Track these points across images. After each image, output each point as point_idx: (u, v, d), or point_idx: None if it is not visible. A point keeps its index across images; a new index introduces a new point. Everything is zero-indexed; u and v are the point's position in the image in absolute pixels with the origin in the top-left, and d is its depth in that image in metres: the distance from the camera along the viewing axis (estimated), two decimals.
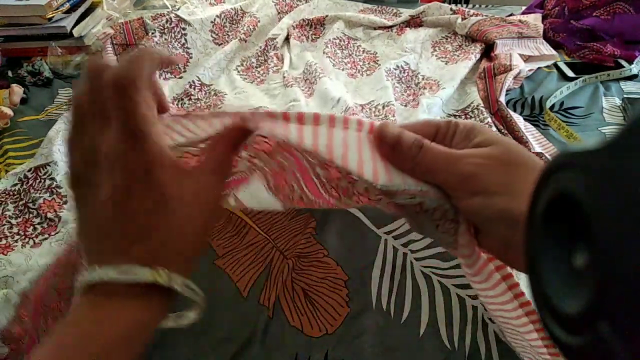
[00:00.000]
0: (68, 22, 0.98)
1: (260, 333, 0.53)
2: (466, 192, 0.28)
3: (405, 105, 0.83)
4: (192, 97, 0.86)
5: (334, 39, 1.00)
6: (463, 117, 0.83)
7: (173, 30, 0.95)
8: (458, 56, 0.95)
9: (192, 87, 0.88)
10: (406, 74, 0.91)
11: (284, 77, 0.87)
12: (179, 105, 0.85)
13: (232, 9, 1.06)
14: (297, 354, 0.52)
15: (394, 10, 1.13)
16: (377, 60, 0.96)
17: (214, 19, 1.02)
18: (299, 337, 0.53)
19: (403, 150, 0.28)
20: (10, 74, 0.96)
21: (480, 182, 0.27)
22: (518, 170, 0.27)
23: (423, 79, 0.89)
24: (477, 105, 0.82)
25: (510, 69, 0.85)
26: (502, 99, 0.82)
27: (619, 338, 0.14)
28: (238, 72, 0.93)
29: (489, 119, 0.79)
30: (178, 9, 1.01)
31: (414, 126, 0.31)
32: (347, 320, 0.54)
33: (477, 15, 1.04)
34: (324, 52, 0.95)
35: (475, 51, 0.94)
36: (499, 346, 0.51)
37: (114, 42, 0.96)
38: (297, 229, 0.64)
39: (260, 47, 1.01)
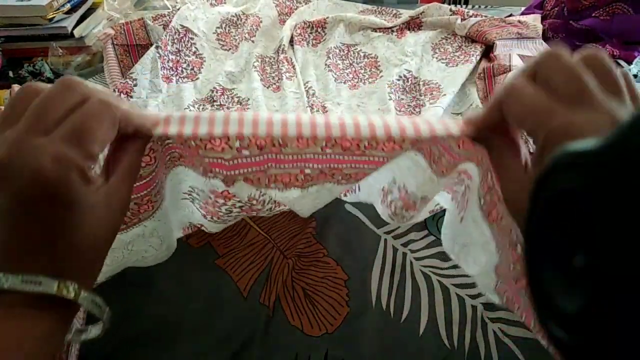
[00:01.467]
0: (69, 23, 0.97)
1: (260, 333, 0.53)
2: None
3: None
4: (216, 102, 0.87)
5: (334, 47, 1.00)
6: None
7: (183, 40, 0.96)
8: (458, 57, 0.95)
9: (215, 92, 0.89)
10: (409, 82, 0.91)
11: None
12: (200, 110, 0.86)
13: (233, 15, 1.06)
14: (297, 354, 0.52)
15: (394, 11, 1.13)
16: (379, 66, 0.96)
17: (216, 30, 1.03)
18: (299, 336, 0.53)
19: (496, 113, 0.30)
20: (11, 74, 0.96)
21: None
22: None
23: (424, 84, 0.89)
24: (476, 107, 0.82)
25: (510, 70, 0.85)
26: None
27: (617, 337, 0.14)
28: (256, 69, 0.94)
29: None
30: (178, 9, 1.01)
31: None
32: (347, 319, 0.55)
33: (476, 15, 1.04)
34: (326, 65, 0.95)
35: (476, 53, 0.94)
36: (498, 346, 0.51)
37: (115, 42, 0.96)
38: (297, 229, 0.64)
39: (267, 47, 1.01)
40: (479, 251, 0.46)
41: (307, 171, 0.40)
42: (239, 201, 0.45)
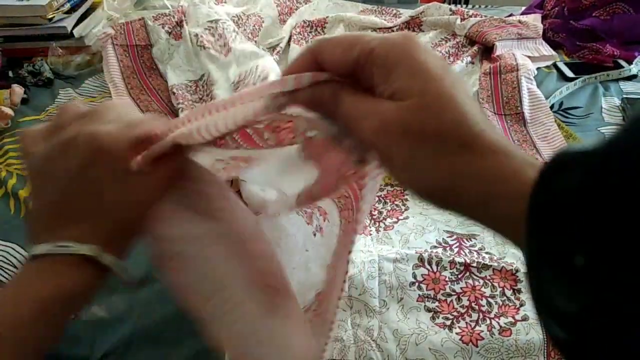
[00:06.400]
0: (69, 23, 0.98)
1: None
2: (376, 153, 0.25)
3: None
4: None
5: None
6: None
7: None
8: (450, 58, 0.95)
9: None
10: None
11: None
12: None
13: (234, 15, 1.06)
14: None
15: (394, 11, 1.13)
16: None
17: None
18: None
19: (323, 104, 0.26)
20: (11, 74, 0.96)
21: (380, 152, 0.24)
22: (425, 144, 0.22)
23: None
24: None
25: (517, 69, 0.86)
26: (526, 103, 0.82)
27: (618, 338, 0.14)
28: None
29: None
30: (181, 8, 1.01)
31: (333, 51, 0.25)
32: None
33: (476, 15, 1.04)
34: None
35: (470, 52, 0.94)
36: None
37: (115, 42, 0.96)
38: None
39: (264, 48, 1.02)
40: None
41: None
42: None
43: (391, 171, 0.24)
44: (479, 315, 0.51)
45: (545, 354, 0.47)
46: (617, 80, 0.92)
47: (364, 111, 0.23)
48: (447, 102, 0.22)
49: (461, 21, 1.02)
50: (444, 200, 0.23)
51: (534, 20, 1.05)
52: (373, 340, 0.49)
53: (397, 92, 0.22)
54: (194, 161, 0.34)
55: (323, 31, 1.06)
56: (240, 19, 1.07)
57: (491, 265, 0.55)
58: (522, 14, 1.14)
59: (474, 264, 0.55)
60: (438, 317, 0.52)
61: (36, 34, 0.99)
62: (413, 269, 0.55)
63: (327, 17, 1.07)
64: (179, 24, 0.98)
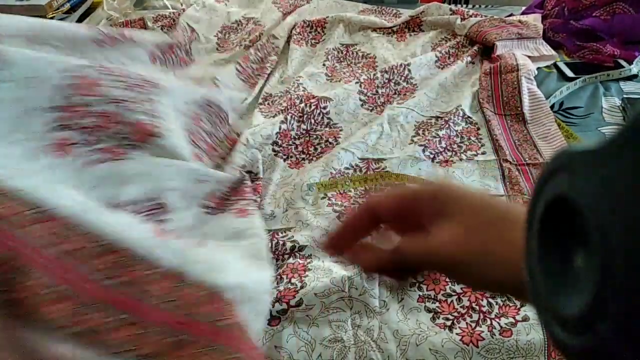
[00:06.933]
0: (68, 22, 0.98)
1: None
2: (459, 276, 0.30)
3: (371, 110, 0.84)
4: None
5: (333, 49, 1.00)
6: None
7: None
8: (448, 59, 0.95)
9: None
10: (388, 78, 0.90)
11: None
12: None
13: (234, 22, 1.06)
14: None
15: (394, 11, 1.13)
16: (376, 67, 0.96)
17: (216, 34, 1.04)
18: None
19: (389, 267, 0.31)
20: None
21: (464, 265, 0.28)
22: (487, 233, 0.28)
23: (404, 79, 0.89)
24: (462, 109, 0.83)
25: (517, 69, 0.85)
26: (526, 103, 0.82)
27: (619, 338, 0.14)
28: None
29: (462, 126, 0.80)
30: (183, 10, 1.02)
31: (382, 204, 0.31)
32: None
33: (476, 15, 1.04)
34: (323, 64, 0.96)
35: (470, 53, 0.94)
36: None
37: None
38: None
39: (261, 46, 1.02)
40: None
41: None
42: None
43: (467, 276, 0.29)
44: (479, 316, 0.51)
45: (546, 354, 0.47)
46: (617, 80, 0.92)
47: (433, 247, 0.29)
48: (482, 209, 0.29)
49: (461, 21, 1.02)
50: (509, 276, 0.26)
51: (534, 20, 1.05)
52: (373, 341, 0.49)
53: (447, 215, 0.29)
54: None
55: (323, 31, 1.06)
56: (240, 24, 1.07)
57: None
58: (522, 13, 1.14)
59: None
60: (438, 318, 0.51)
61: None
62: None
63: (327, 17, 1.07)
64: None
